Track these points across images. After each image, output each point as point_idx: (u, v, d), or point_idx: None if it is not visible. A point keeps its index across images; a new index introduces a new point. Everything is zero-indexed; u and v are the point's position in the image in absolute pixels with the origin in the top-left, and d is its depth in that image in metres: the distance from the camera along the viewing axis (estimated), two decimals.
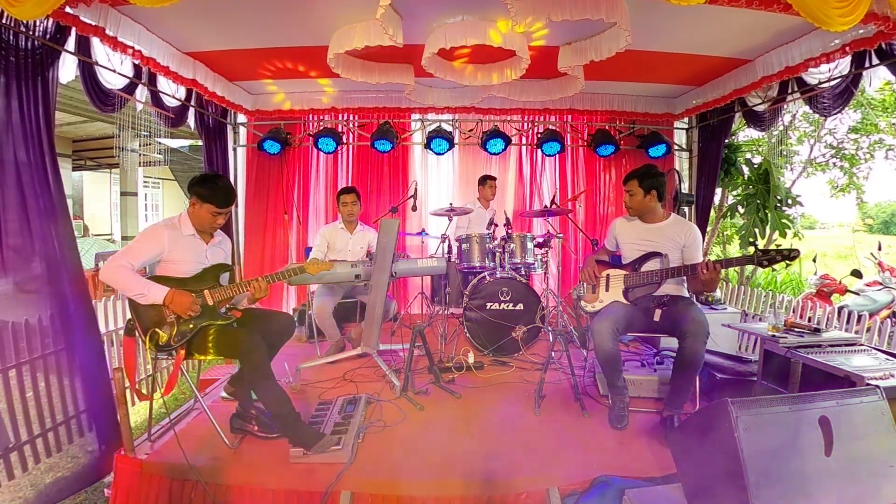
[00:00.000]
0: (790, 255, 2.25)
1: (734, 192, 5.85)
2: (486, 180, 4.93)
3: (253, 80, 4.70)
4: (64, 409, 2.63)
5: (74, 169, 13.65)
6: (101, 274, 2.19)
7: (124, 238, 11.43)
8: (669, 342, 3.51)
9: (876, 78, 3.42)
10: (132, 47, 3.18)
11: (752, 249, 2.35)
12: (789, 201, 5.42)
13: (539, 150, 5.30)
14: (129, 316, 2.30)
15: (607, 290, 2.78)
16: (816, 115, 6.08)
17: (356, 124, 5.37)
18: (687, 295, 2.69)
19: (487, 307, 3.67)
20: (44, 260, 2.47)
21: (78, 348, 2.56)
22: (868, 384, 2.04)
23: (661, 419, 2.51)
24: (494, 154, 5.25)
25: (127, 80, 3.38)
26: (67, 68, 2.86)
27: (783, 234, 5.22)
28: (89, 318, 2.64)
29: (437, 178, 5.71)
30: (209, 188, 2.30)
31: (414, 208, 4.71)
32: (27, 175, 2.43)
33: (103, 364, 2.68)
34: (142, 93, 3.69)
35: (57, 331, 2.53)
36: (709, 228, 5.73)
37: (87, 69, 3.00)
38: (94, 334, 2.65)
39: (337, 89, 4.97)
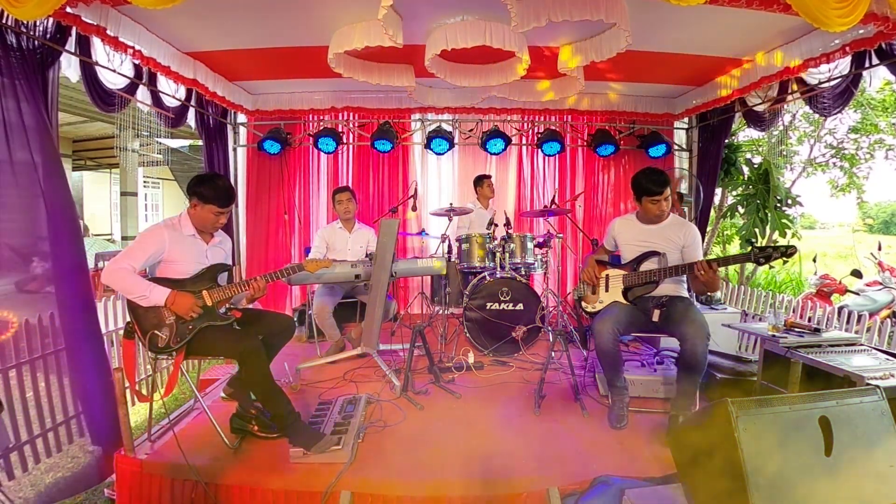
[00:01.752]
0: (787, 252, 2.24)
1: (734, 192, 5.85)
2: (482, 180, 4.90)
3: (253, 80, 4.70)
4: (64, 410, 2.64)
5: (74, 169, 13.66)
6: (102, 277, 2.19)
7: (124, 238, 11.44)
8: (669, 342, 3.51)
9: (876, 78, 3.42)
10: (132, 47, 3.19)
11: (748, 247, 2.34)
12: (789, 201, 5.42)
13: (539, 150, 5.30)
14: (128, 317, 2.29)
15: (607, 290, 2.78)
16: (816, 115, 6.09)
17: (356, 124, 5.37)
18: (686, 295, 2.69)
19: (487, 307, 3.67)
20: (45, 260, 2.47)
21: (79, 348, 2.56)
22: (868, 384, 2.04)
23: (669, 419, 2.50)
24: (494, 154, 5.25)
25: (128, 81, 3.38)
26: (72, 70, 2.87)
27: (783, 234, 5.22)
28: (91, 318, 2.64)
29: (437, 178, 5.70)
30: (210, 188, 2.30)
31: (414, 208, 4.72)
32: (29, 175, 2.43)
33: (104, 365, 2.68)
34: (142, 93, 3.70)
35: (57, 331, 2.53)
36: (709, 228, 5.73)
37: (88, 69, 3.00)
38: (95, 335, 2.65)
39: (337, 89, 4.97)
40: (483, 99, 4.83)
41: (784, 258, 2.26)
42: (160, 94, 3.85)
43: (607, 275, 2.80)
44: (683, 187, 5.50)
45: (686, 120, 5.46)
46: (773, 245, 2.28)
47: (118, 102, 3.33)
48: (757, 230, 5.22)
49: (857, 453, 1.51)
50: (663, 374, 2.94)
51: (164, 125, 4.05)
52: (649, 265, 2.63)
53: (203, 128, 4.56)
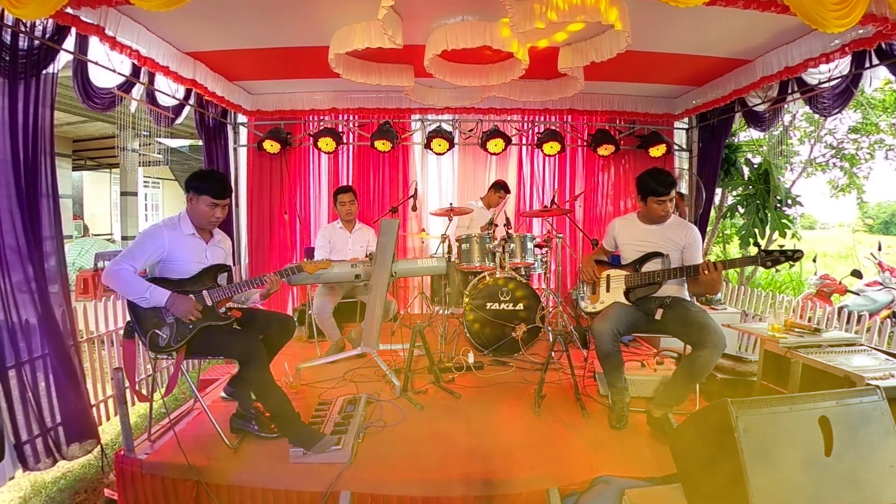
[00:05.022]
0: (794, 256, 2.23)
1: (734, 193, 5.86)
2: (500, 189, 4.81)
3: (253, 80, 4.70)
4: (63, 411, 2.64)
5: (74, 169, 13.66)
6: (102, 278, 2.19)
7: (124, 238, 11.45)
8: (670, 342, 3.52)
9: (876, 78, 3.42)
10: (129, 47, 3.17)
11: (755, 250, 2.33)
12: (789, 201, 5.42)
13: (539, 150, 5.30)
14: (128, 317, 2.29)
15: (608, 290, 2.77)
16: (816, 116, 6.09)
17: (356, 124, 5.38)
18: (689, 297, 2.68)
19: (487, 307, 3.67)
20: (34, 261, 2.49)
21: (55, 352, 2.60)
22: (868, 384, 2.04)
23: (650, 419, 2.49)
24: (494, 154, 5.25)
25: (123, 79, 3.37)
26: (59, 61, 2.83)
27: (783, 235, 5.22)
28: (63, 322, 2.66)
29: (437, 178, 5.71)
30: (204, 180, 2.31)
31: (414, 208, 4.72)
32: (21, 175, 2.45)
33: (73, 367, 2.69)
34: (141, 92, 3.69)
35: (45, 332, 2.55)
36: (709, 228, 5.74)
37: (81, 68, 2.99)
38: (60, 338, 2.66)
39: (337, 89, 4.98)
40: (483, 99, 4.82)
41: (790, 262, 2.26)
42: (159, 94, 3.84)
43: (608, 275, 2.79)
44: (683, 187, 5.50)
45: (686, 120, 5.46)
46: (780, 248, 2.27)
47: (116, 100, 3.32)
48: (756, 230, 5.23)
49: (857, 453, 1.51)
50: (663, 374, 2.94)
51: (161, 124, 4.04)
52: (652, 266, 2.62)
53: (203, 128, 4.56)
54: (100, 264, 8.38)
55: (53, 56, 2.64)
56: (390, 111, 5.16)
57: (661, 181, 2.56)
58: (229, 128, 5.12)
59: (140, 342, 2.25)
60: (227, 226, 4.92)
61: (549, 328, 3.98)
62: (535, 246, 4.18)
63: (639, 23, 2.98)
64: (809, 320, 3.77)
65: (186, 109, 4.26)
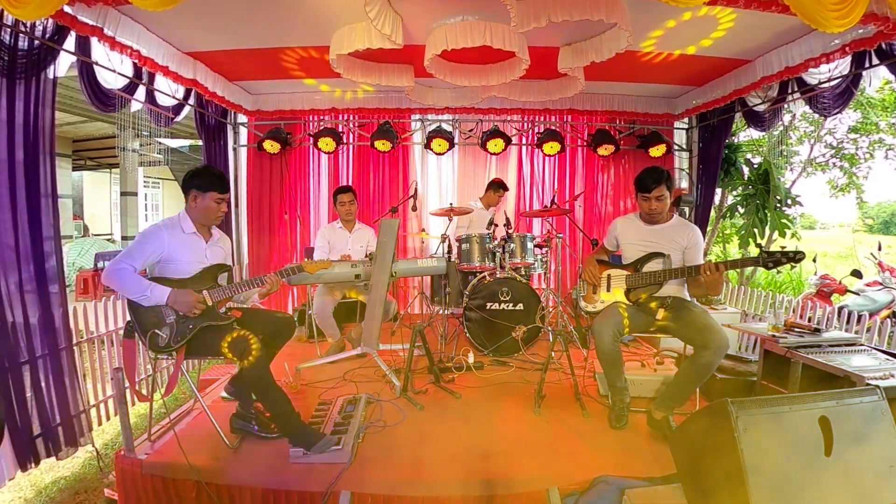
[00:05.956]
0: (795, 258, 2.23)
1: (734, 193, 5.86)
2: (498, 188, 4.80)
3: (253, 80, 4.70)
4: (63, 410, 2.64)
5: (74, 169, 13.64)
6: (102, 277, 2.19)
7: (124, 238, 11.46)
8: (670, 342, 3.52)
9: (876, 78, 3.42)
10: (129, 47, 3.17)
11: (757, 251, 2.32)
12: (789, 201, 5.42)
13: (539, 150, 5.30)
14: (129, 317, 2.29)
15: (608, 290, 2.77)
16: (816, 115, 6.09)
17: (356, 124, 5.38)
18: (689, 298, 2.67)
19: (487, 307, 3.67)
20: (31, 262, 2.49)
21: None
22: (868, 384, 2.04)
23: (650, 420, 2.49)
24: (494, 154, 5.25)
25: (127, 80, 3.37)
26: (61, 64, 2.84)
27: (782, 235, 5.23)
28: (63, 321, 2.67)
29: (437, 178, 5.71)
30: (206, 177, 2.31)
31: (414, 208, 4.72)
32: (21, 175, 2.45)
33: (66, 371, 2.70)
34: (142, 93, 3.69)
35: (44, 333, 2.54)
36: (709, 228, 5.74)
37: (87, 69, 3.00)
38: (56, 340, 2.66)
39: (336, 89, 4.97)
40: (483, 99, 4.83)
41: (792, 263, 2.26)
42: (160, 94, 3.84)
43: (609, 274, 2.78)
44: (683, 187, 5.50)
45: (686, 120, 5.46)
46: (781, 250, 2.27)
47: (118, 102, 3.32)
48: (756, 230, 5.23)
49: (857, 453, 1.51)
50: (663, 374, 2.94)
51: (162, 124, 4.03)
52: (653, 266, 2.62)
53: (203, 127, 4.56)
54: (100, 264, 8.38)
55: (54, 56, 2.64)
56: (390, 111, 5.16)
57: (649, 177, 2.57)
58: (229, 128, 5.13)
59: (140, 342, 2.25)
60: (226, 226, 4.92)
61: (549, 328, 3.98)
62: (535, 246, 4.18)
63: (639, 22, 2.99)
64: (809, 320, 3.77)
65: (186, 109, 4.26)
